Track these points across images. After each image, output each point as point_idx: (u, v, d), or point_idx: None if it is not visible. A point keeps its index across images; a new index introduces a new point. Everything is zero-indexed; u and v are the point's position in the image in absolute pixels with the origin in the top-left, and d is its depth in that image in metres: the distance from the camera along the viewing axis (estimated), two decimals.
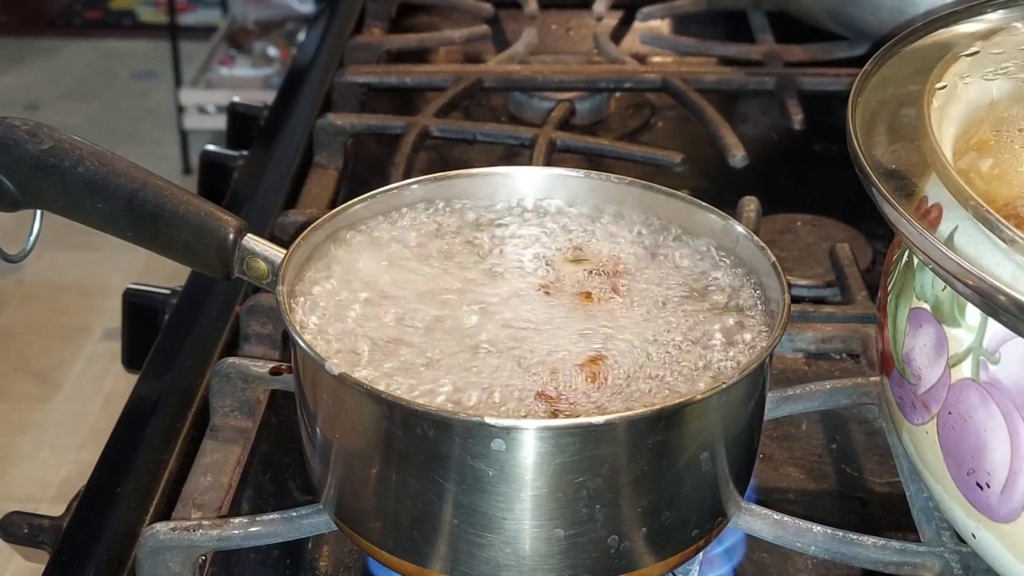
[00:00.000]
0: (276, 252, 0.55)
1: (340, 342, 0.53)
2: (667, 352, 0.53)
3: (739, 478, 0.54)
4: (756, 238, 0.57)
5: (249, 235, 0.56)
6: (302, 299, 0.55)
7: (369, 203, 0.61)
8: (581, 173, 0.62)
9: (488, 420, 0.47)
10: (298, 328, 0.51)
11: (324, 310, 0.55)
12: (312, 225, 0.57)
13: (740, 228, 0.58)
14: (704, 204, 0.60)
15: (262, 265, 0.56)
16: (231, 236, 0.55)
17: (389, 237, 0.60)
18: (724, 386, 0.49)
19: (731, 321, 0.55)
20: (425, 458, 0.48)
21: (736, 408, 0.51)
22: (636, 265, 0.58)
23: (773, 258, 0.55)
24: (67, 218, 0.59)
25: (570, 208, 0.62)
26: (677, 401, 0.49)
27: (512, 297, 0.56)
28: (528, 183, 0.62)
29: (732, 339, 0.54)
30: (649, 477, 0.49)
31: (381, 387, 0.49)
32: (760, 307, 0.56)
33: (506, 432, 0.47)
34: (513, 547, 0.49)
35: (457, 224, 0.61)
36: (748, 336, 0.54)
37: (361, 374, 0.51)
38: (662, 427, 0.48)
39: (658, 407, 0.48)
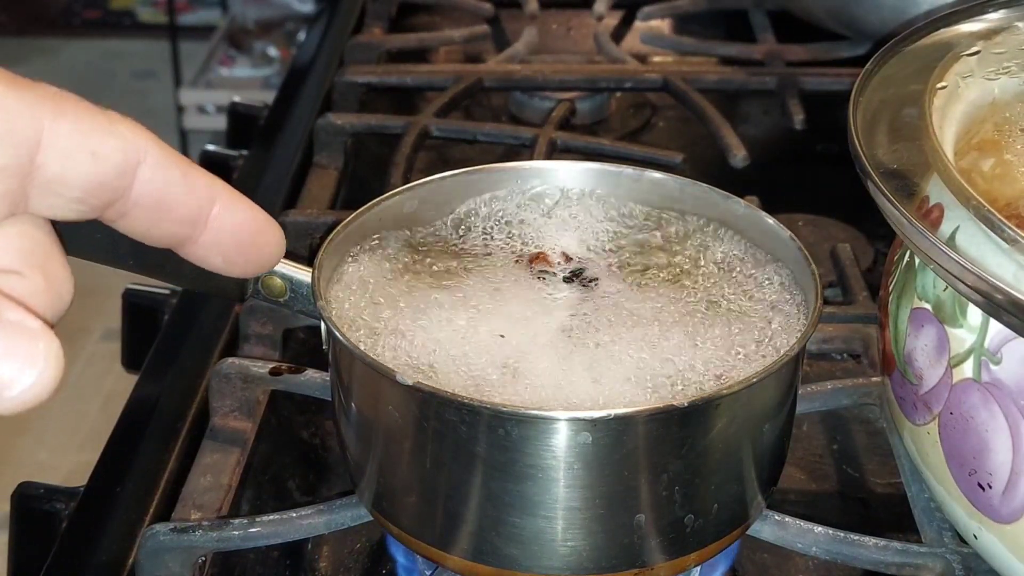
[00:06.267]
0: (292, 268, 0.54)
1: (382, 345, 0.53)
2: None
3: (771, 474, 0.54)
4: (793, 237, 0.57)
5: None
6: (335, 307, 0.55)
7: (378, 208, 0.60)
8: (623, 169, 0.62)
9: (580, 415, 0.47)
10: (350, 337, 0.51)
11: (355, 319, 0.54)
12: (331, 236, 0.56)
13: (770, 221, 0.58)
14: (731, 195, 0.60)
15: (278, 283, 0.55)
16: None
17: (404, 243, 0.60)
18: (763, 376, 0.49)
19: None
20: (506, 459, 0.48)
21: (774, 398, 0.51)
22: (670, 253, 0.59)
23: (807, 255, 0.56)
24: None
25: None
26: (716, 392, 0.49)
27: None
28: (567, 176, 0.62)
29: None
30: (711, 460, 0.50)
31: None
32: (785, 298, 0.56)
33: (592, 424, 0.47)
34: (579, 538, 0.50)
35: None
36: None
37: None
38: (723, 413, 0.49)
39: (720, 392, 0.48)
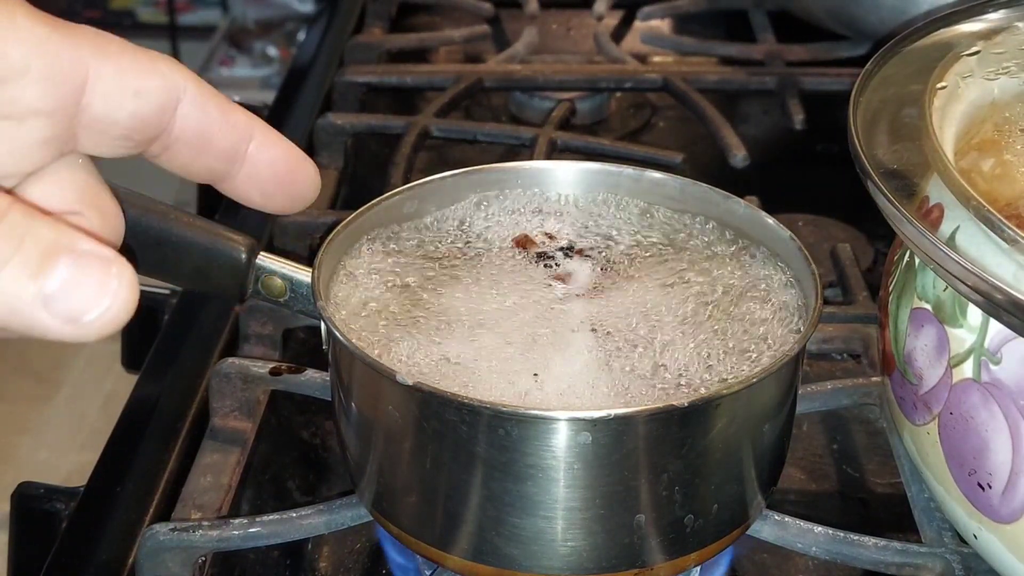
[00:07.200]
0: (292, 268, 0.54)
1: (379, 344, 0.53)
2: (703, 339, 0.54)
3: (771, 475, 0.54)
4: (793, 237, 0.57)
5: (262, 253, 0.55)
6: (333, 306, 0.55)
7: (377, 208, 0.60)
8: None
9: (580, 414, 0.47)
10: (353, 340, 0.51)
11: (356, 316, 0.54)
12: (331, 236, 0.56)
13: (770, 221, 0.58)
14: (733, 196, 0.60)
15: (278, 283, 0.54)
16: (244, 256, 0.53)
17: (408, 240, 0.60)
18: (763, 376, 0.49)
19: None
20: (506, 459, 0.48)
21: (774, 398, 0.51)
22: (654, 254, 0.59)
23: (805, 250, 0.56)
24: None
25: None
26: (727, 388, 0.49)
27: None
28: (564, 176, 0.62)
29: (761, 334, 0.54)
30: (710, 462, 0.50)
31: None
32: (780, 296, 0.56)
33: (593, 424, 0.47)
34: (579, 538, 0.50)
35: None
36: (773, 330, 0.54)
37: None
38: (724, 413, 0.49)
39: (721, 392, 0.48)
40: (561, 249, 0.59)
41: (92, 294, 0.35)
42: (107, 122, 0.39)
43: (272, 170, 0.45)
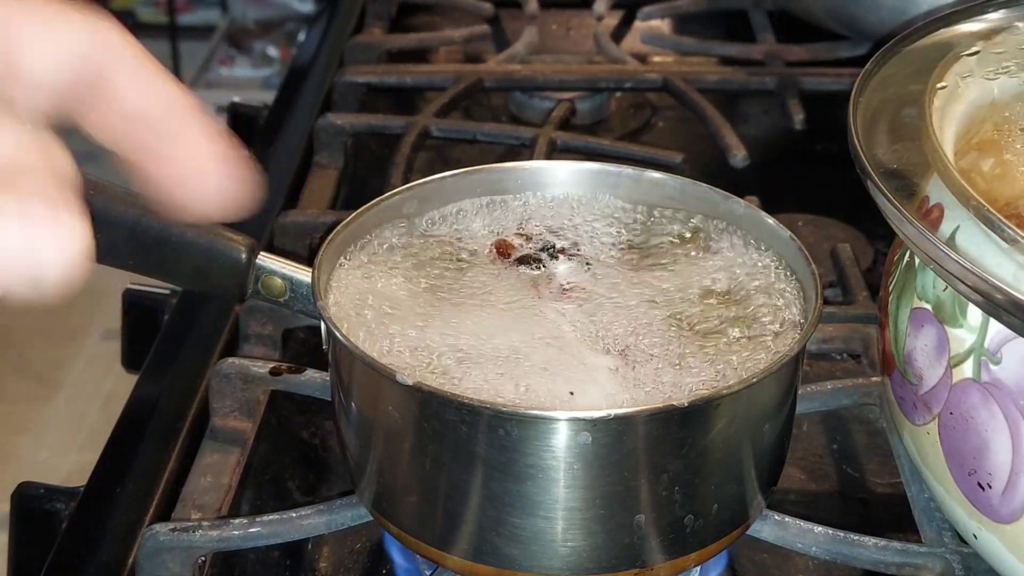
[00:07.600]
0: (292, 268, 0.54)
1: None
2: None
3: (771, 475, 0.54)
4: (793, 237, 0.57)
5: (262, 253, 0.55)
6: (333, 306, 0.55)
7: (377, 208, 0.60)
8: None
9: (580, 414, 0.47)
10: (351, 338, 0.51)
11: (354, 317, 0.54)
12: (331, 236, 0.56)
13: (770, 221, 0.58)
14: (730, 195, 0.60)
15: (278, 283, 0.54)
16: (244, 256, 0.53)
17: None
18: (763, 376, 0.49)
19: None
20: (506, 459, 0.48)
21: (774, 398, 0.51)
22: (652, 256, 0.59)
23: (806, 252, 0.56)
24: None
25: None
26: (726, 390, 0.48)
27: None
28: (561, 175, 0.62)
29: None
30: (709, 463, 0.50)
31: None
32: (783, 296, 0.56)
33: (593, 424, 0.47)
34: (579, 538, 0.50)
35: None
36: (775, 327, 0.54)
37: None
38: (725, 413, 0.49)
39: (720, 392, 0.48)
40: (546, 250, 0.59)
41: (48, 249, 0.34)
42: (41, 77, 0.39)
43: (200, 155, 0.43)
